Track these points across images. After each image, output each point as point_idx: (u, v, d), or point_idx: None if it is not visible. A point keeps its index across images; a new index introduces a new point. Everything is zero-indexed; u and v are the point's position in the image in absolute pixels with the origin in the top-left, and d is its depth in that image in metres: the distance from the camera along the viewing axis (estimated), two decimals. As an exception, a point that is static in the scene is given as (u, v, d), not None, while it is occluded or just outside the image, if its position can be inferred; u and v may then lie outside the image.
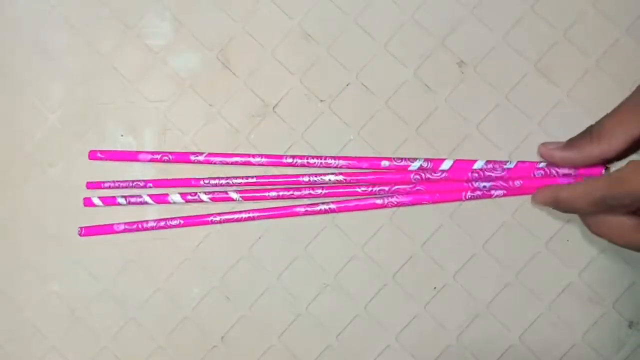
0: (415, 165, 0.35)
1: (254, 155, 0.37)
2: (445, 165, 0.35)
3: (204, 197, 0.36)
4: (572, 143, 0.31)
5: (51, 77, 0.39)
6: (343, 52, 0.37)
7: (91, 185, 0.37)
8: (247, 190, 0.36)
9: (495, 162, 0.35)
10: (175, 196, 0.36)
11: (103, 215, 0.37)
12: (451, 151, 0.36)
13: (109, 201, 0.37)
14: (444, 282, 0.36)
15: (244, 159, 0.36)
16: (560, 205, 0.30)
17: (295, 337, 0.36)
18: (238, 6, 0.38)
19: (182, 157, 0.37)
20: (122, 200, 0.37)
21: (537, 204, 0.31)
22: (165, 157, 0.37)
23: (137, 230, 0.37)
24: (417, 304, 0.36)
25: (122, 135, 0.38)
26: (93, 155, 0.37)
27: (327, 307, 0.36)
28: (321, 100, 0.37)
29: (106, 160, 0.38)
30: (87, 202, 0.37)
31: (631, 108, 0.28)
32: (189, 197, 0.36)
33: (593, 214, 0.29)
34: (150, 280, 0.37)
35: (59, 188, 0.38)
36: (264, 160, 0.36)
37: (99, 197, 0.37)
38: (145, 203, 0.37)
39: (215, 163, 0.37)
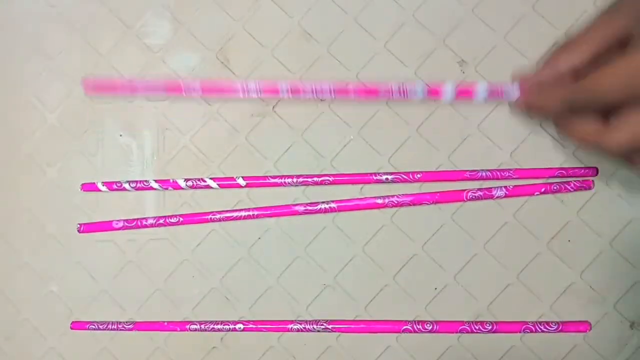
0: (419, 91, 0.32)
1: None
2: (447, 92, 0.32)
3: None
4: (543, 62, 0.29)
5: (50, 77, 0.38)
6: (343, 51, 0.37)
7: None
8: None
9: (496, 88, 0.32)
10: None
11: (102, 216, 0.37)
12: (452, 151, 0.36)
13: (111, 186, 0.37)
14: (445, 282, 0.36)
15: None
16: (533, 102, 0.29)
17: (295, 337, 0.36)
18: (237, 5, 0.38)
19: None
20: (127, 186, 0.37)
21: (517, 108, 0.31)
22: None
23: (137, 227, 0.37)
24: (417, 305, 0.36)
25: (121, 135, 0.38)
26: (88, 86, 0.35)
27: (327, 307, 0.36)
28: (321, 100, 0.37)
29: (102, 92, 0.36)
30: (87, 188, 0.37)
31: (602, 14, 0.28)
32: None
33: (562, 114, 0.29)
34: (149, 281, 0.37)
35: (58, 188, 0.38)
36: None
37: (102, 182, 0.37)
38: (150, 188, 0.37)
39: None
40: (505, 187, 0.35)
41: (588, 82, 0.26)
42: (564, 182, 0.35)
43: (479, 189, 0.35)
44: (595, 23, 0.28)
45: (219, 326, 0.36)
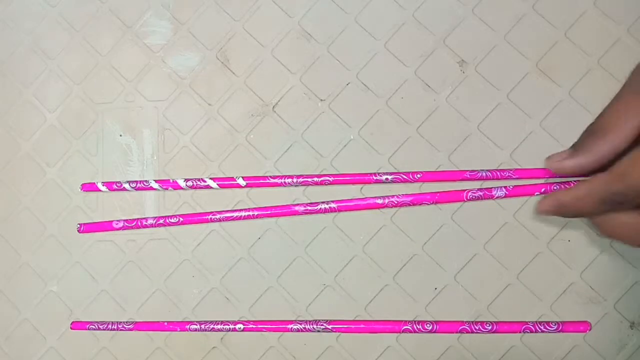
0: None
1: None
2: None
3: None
4: (578, 148, 0.27)
5: (50, 77, 0.38)
6: (343, 51, 0.37)
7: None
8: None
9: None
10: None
11: (102, 216, 0.37)
12: (452, 151, 0.36)
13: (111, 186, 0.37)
14: (445, 282, 0.36)
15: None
16: (565, 211, 0.27)
17: (295, 337, 0.36)
18: (238, 5, 0.38)
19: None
20: (126, 186, 0.37)
21: (542, 214, 0.28)
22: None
23: (137, 227, 0.37)
24: (417, 305, 0.36)
25: (120, 135, 0.38)
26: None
27: (327, 307, 0.36)
28: (321, 100, 0.37)
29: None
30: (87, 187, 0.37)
31: (634, 94, 0.25)
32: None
33: (601, 214, 0.26)
34: (149, 281, 0.37)
35: (58, 188, 0.38)
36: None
37: (102, 183, 0.37)
38: (150, 188, 0.37)
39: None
40: (505, 187, 0.35)
41: (627, 175, 0.24)
42: (564, 182, 0.35)
43: (479, 189, 0.35)
44: (627, 98, 0.26)
45: (219, 326, 0.36)
